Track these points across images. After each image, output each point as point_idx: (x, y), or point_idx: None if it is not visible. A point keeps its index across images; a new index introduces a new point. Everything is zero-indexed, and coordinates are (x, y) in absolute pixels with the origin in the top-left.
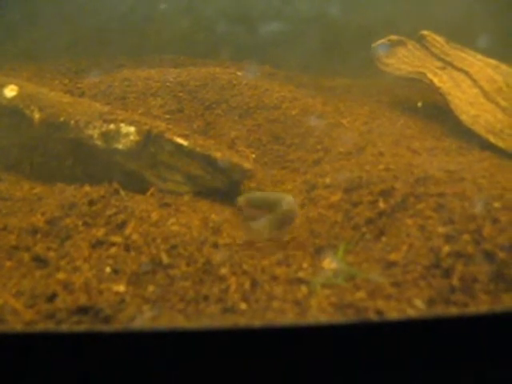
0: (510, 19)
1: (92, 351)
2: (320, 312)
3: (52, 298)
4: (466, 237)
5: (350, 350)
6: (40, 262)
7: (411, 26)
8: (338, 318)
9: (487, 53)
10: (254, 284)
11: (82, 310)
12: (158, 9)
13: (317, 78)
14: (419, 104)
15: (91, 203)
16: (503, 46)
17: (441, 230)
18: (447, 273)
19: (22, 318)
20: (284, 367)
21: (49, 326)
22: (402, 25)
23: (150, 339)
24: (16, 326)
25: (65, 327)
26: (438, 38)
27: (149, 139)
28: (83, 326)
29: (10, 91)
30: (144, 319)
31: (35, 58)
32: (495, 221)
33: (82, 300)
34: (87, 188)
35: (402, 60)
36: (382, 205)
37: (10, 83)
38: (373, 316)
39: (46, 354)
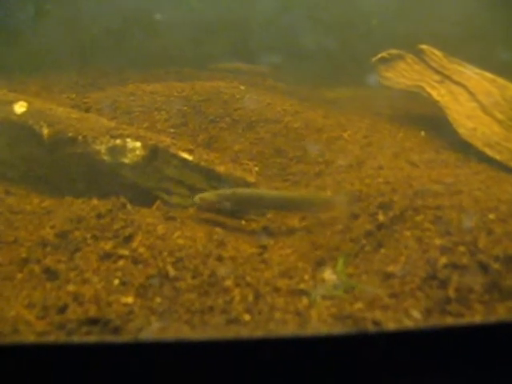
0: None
1: (102, 361)
2: (320, 323)
3: (63, 309)
4: (462, 248)
5: (347, 360)
6: (50, 274)
7: (409, 39)
8: (337, 329)
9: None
10: (257, 296)
11: (92, 321)
12: (163, 22)
13: (318, 91)
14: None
15: (99, 217)
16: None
17: (438, 241)
18: (443, 284)
19: (34, 328)
20: (285, 376)
21: (60, 337)
22: (400, 38)
23: (157, 349)
24: (29, 336)
25: (75, 338)
26: (437, 52)
27: (154, 154)
28: (93, 336)
29: (20, 107)
30: (152, 330)
31: (43, 71)
32: (490, 232)
33: (92, 311)
34: (95, 202)
35: (401, 74)
36: (381, 217)
37: (20, 99)
38: (370, 326)
39: (58, 363)
